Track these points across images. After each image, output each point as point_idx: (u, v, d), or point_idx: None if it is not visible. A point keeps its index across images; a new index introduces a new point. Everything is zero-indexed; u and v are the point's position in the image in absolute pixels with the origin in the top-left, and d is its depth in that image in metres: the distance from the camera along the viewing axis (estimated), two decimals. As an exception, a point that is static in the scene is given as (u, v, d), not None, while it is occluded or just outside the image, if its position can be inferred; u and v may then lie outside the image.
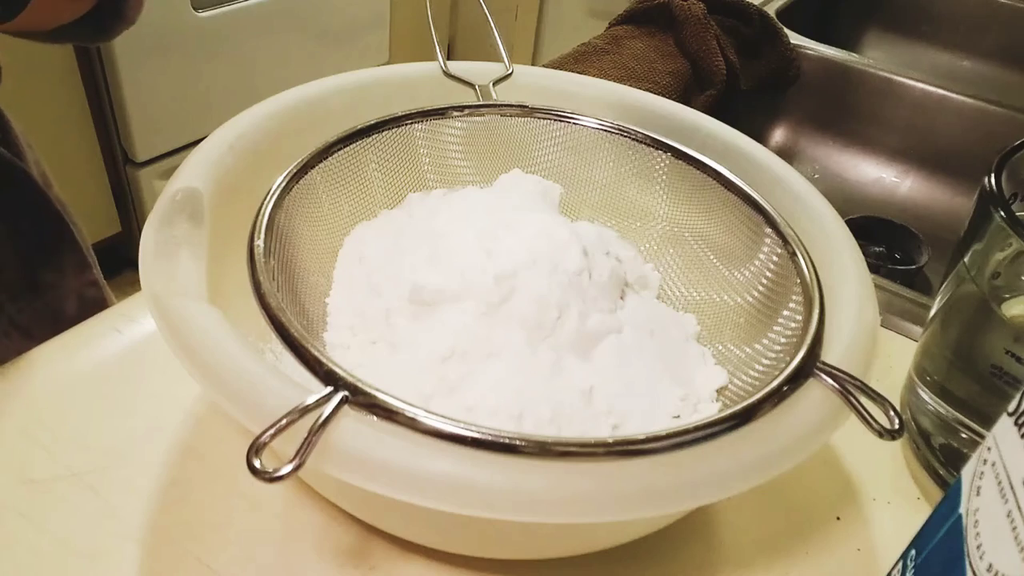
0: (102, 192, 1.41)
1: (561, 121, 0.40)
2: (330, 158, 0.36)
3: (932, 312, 0.36)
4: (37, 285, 0.47)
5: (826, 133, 0.80)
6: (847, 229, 0.34)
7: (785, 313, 0.32)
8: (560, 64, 0.67)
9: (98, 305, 0.50)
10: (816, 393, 0.27)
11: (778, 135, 0.81)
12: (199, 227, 0.29)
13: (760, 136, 0.77)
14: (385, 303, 0.33)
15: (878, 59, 0.81)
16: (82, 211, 0.52)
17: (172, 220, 0.29)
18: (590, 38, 0.71)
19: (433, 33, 0.42)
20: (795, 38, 0.77)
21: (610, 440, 0.23)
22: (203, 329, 0.25)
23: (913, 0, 0.93)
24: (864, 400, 0.26)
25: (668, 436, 0.24)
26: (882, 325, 0.35)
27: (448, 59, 0.41)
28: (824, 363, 0.27)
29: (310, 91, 0.38)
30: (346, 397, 0.23)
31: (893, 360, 0.41)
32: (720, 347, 0.35)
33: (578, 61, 0.67)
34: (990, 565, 0.18)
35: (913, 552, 0.23)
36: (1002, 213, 0.30)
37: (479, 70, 0.42)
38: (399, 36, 1.74)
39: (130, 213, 1.46)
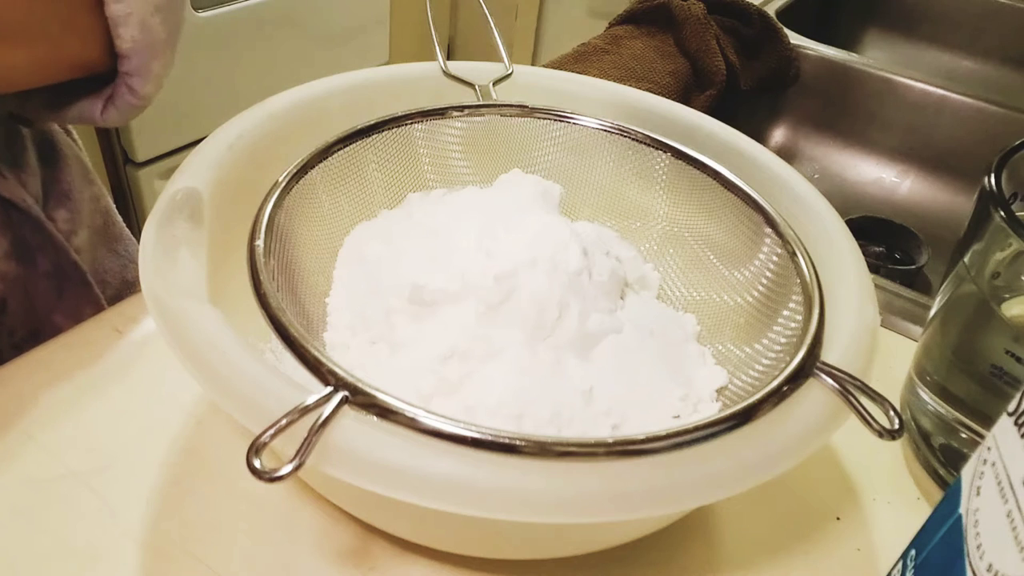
0: (102, 192, 1.41)
1: (561, 121, 0.40)
2: (330, 158, 0.36)
3: (932, 312, 0.36)
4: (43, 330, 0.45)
5: (826, 133, 0.80)
6: (847, 229, 0.34)
7: (785, 313, 0.32)
8: (560, 64, 0.67)
9: None
10: (816, 393, 0.27)
11: (778, 135, 0.81)
12: (199, 227, 0.29)
13: (760, 136, 0.77)
14: (385, 303, 0.33)
15: (878, 59, 0.81)
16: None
17: (172, 220, 0.29)
18: (590, 38, 0.71)
19: (433, 33, 0.42)
20: (795, 38, 0.77)
21: (610, 440, 0.23)
22: (203, 329, 0.25)
23: (913, 0, 0.93)
24: (864, 400, 0.26)
25: (668, 436, 0.24)
26: (882, 325, 0.35)
27: (448, 59, 0.41)
28: (824, 363, 0.27)
29: (310, 91, 0.38)
30: (346, 397, 0.23)
31: (893, 360, 0.41)
32: (720, 347, 0.35)
33: (578, 61, 0.67)
34: (990, 565, 0.18)
35: (913, 552, 0.23)
36: (1002, 213, 0.30)
37: (479, 70, 0.42)
38: (399, 36, 1.73)
39: (130, 213, 1.45)
